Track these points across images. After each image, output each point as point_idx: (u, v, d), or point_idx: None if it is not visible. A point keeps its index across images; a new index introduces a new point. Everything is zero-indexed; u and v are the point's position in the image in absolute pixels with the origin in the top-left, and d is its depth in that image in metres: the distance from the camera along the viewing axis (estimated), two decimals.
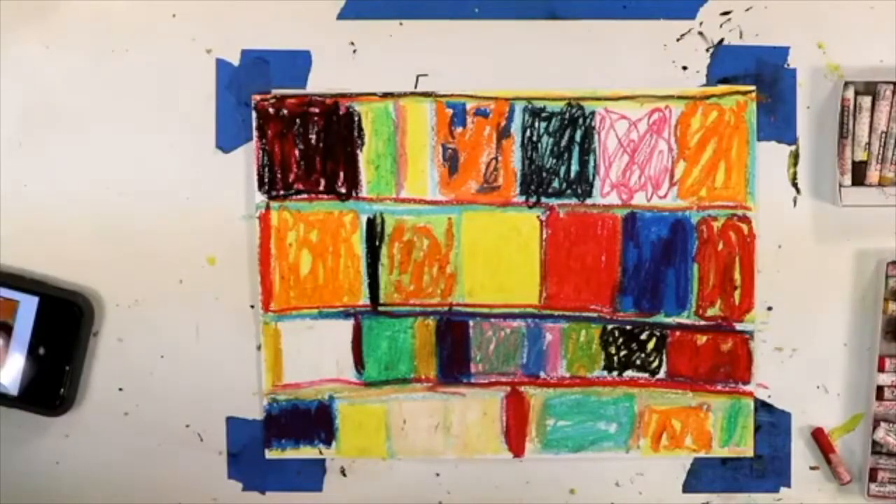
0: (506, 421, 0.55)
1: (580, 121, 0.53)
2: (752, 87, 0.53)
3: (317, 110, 0.53)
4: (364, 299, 0.54)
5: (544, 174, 0.54)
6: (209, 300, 0.55)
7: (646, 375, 0.55)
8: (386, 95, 0.53)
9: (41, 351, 0.53)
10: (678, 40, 0.54)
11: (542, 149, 0.54)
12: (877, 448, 0.54)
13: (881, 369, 0.54)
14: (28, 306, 0.53)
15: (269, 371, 0.55)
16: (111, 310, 0.55)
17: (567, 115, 0.53)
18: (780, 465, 0.56)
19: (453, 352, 0.55)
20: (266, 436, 0.55)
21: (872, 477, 0.54)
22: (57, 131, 0.54)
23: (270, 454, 0.55)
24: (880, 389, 0.54)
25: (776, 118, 0.54)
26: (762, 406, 0.55)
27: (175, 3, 0.54)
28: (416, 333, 0.55)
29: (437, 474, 0.56)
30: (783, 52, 0.53)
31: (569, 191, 0.54)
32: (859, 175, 0.53)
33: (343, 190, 0.54)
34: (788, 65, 0.54)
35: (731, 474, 0.56)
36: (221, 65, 0.54)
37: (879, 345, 0.54)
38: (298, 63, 0.54)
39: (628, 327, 0.55)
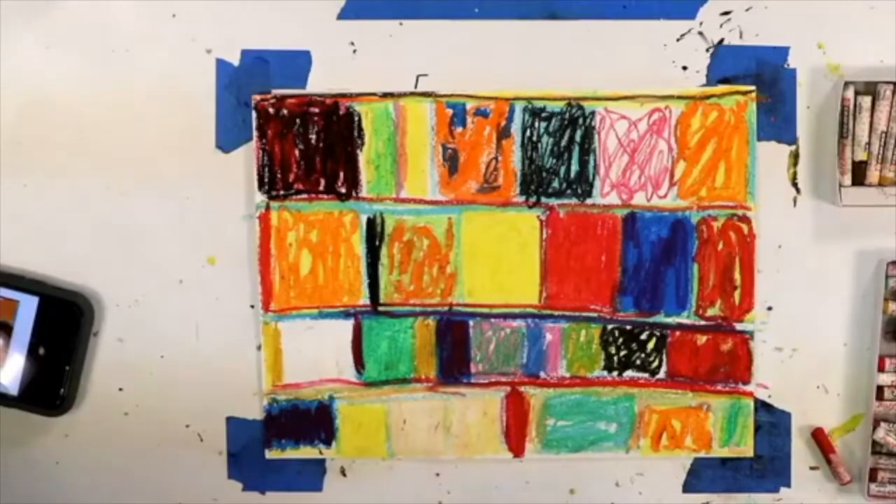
0: (506, 421, 0.55)
1: (580, 121, 0.53)
2: (752, 87, 0.53)
3: (317, 110, 0.53)
4: (364, 299, 0.54)
5: (544, 174, 0.54)
6: (209, 300, 0.55)
7: (646, 375, 0.55)
8: (386, 95, 0.53)
9: (41, 351, 0.53)
10: (678, 40, 0.54)
11: (542, 149, 0.54)
12: (877, 448, 0.54)
13: (881, 369, 0.54)
14: (28, 306, 0.53)
15: (269, 371, 0.55)
16: (111, 310, 0.55)
17: (567, 115, 0.53)
18: (780, 465, 0.56)
19: (453, 352, 0.55)
20: (266, 436, 0.55)
21: (872, 477, 0.54)
22: (57, 131, 0.54)
23: (270, 454, 0.55)
24: (880, 389, 0.54)
25: (776, 118, 0.54)
26: (762, 406, 0.55)
27: (175, 3, 0.54)
28: (416, 333, 0.55)
29: (437, 474, 0.56)
30: (783, 52, 0.53)
31: (569, 191, 0.54)
32: (859, 175, 0.53)
33: (343, 190, 0.54)
34: (788, 65, 0.54)
35: (731, 474, 0.56)
36: (221, 65, 0.54)
37: (879, 345, 0.54)
38: (298, 63, 0.54)
39: (628, 327, 0.55)
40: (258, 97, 0.53)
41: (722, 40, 0.54)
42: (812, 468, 0.56)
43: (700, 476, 0.56)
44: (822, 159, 0.54)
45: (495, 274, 0.54)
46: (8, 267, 0.54)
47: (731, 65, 0.54)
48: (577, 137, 0.54)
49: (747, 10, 0.53)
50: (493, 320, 0.55)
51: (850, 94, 0.52)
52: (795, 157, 0.54)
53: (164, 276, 0.55)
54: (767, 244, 0.54)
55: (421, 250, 0.54)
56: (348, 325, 0.55)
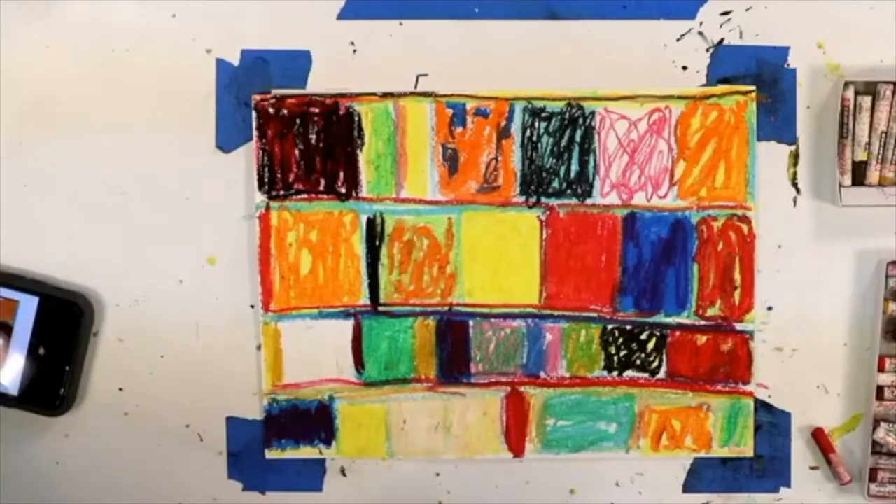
0: (506, 421, 0.55)
1: (580, 121, 0.53)
2: (752, 87, 0.53)
3: (317, 110, 0.53)
4: (364, 299, 0.54)
5: (544, 174, 0.54)
6: (209, 300, 0.55)
7: (646, 375, 0.55)
8: (386, 95, 0.53)
9: (41, 351, 0.53)
10: (678, 40, 0.54)
11: (542, 149, 0.54)
12: (877, 448, 0.54)
13: (881, 369, 0.54)
14: (28, 306, 0.53)
15: (269, 371, 0.55)
16: (111, 310, 0.55)
17: (567, 115, 0.53)
18: (780, 465, 0.56)
19: (453, 352, 0.55)
20: (266, 436, 0.55)
21: (872, 477, 0.54)
22: (57, 131, 0.54)
23: (270, 454, 0.55)
24: (880, 389, 0.54)
25: (776, 118, 0.54)
26: (762, 406, 0.55)
27: (175, 3, 0.54)
28: (416, 333, 0.55)
29: (437, 474, 0.56)
30: (783, 52, 0.53)
31: (569, 191, 0.54)
32: (859, 175, 0.53)
33: (343, 190, 0.54)
34: (788, 65, 0.54)
35: (731, 474, 0.56)
36: (221, 65, 0.54)
37: (879, 345, 0.54)
38: (298, 63, 0.54)
39: (628, 327, 0.55)
40: (258, 97, 0.53)
41: (722, 40, 0.54)
42: (812, 468, 0.56)
43: (700, 476, 0.56)
44: (822, 159, 0.54)
45: (495, 274, 0.54)
46: (8, 267, 0.54)
47: (731, 65, 0.54)
48: (577, 137, 0.54)
49: (747, 10, 0.53)
50: (493, 320, 0.55)
51: (850, 94, 0.52)
52: (795, 157, 0.54)
53: (164, 276, 0.55)
54: (767, 244, 0.54)
55: (421, 250, 0.54)
56: (348, 325, 0.55)
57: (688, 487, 0.56)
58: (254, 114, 0.53)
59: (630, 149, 0.54)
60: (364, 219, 0.54)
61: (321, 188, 0.54)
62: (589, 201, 0.54)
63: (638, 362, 0.55)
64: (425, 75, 0.54)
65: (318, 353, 0.55)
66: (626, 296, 0.54)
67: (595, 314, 0.54)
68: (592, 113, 0.53)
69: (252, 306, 0.55)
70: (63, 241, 0.54)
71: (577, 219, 0.54)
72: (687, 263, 0.54)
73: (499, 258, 0.54)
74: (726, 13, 0.53)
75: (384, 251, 0.54)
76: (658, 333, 0.54)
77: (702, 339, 0.54)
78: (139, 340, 0.55)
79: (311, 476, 0.56)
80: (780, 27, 0.53)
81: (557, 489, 0.56)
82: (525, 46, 0.54)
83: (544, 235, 0.54)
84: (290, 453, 0.55)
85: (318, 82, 0.54)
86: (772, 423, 0.55)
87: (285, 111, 0.53)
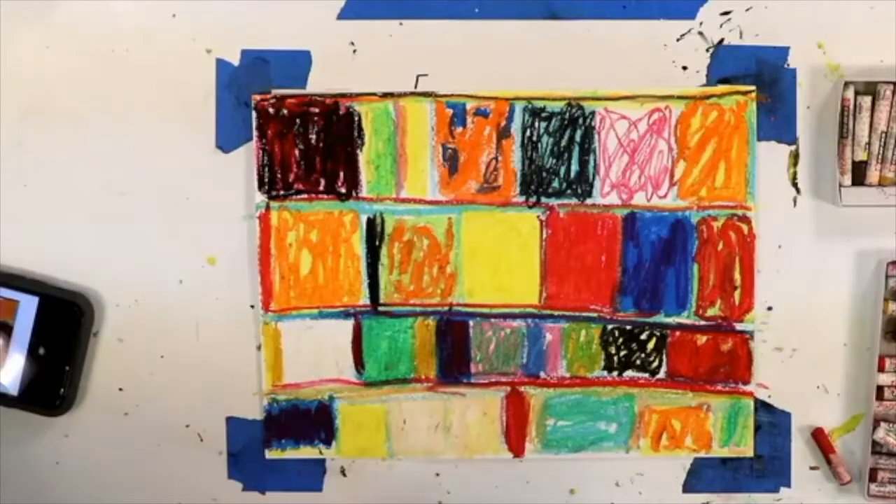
0: (506, 421, 0.55)
1: (580, 121, 0.53)
2: (752, 87, 0.53)
3: (317, 110, 0.53)
4: (364, 299, 0.54)
5: (544, 174, 0.54)
6: (209, 300, 0.55)
7: (646, 375, 0.55)
8: (386, 95, 0.53)
9: (41, 351, 0.53)
10: (678, 40, 0.54)
11: (542, 149, 0.54)
12: (877, 448, 0.54)
13: (881, 369, 0.54)
14: (28, 306, 0.53)
15: (269, 371, 0.55)
16: (111, 310, 0.55)
17: (567, 115, 0.53)
18: (780, 465, 0.56)
19: (453, 352, 0.55)
20: (266, 436, 0.55)
21: (872, 477, 0.54)
22: (57, 131, 0.54)
23: (270, 454, 0.55)
24: (880, 389, 0.54)
25: (776, 118, 0.54)
26: (762, 406, 0.55)
27: (175, 3, 0.54)
28: (416, 333, 0.55)
29: (437, 474, 0.56)
30: (783, 52, 0.53)
31: (569, 191, 0.54)
32: (859, 175, 0.53)
33: (343, 190, 0.54)
34: (788, 65, 0.54)
35: (731, 474, 0.56)
36: (221, 65, 0.54)
37: (879, 345, 0.54)
38: (298, 63, 0.54)
39: (628, 327, 0.55)
40: (258, 97, 0.53)
41: (722, 40, 0.54)
42: (812, 468, 0.56)
43: (700, 476, 0.56)
44: (822, 159, 0.54)
45: (495, 274, 0.54)
46: (8, 267, 0.54)
47: (731, 65, 0.54)
48: (577, 137, 0.54)
49: (747, 10, 0.53)
50: (493, 320, 0.55)
51: (850, 94, 0.52)
52: (795, 157, 0.54)
53: (164, 276, 0.55)
54: (767, 244, 0.54)
55: (421, 250, 0.54)
56: (348, 325, 0.55)
57: (688, 487, 0.56)
58: (254, 114, 0.53)
59: (630, 149, 0.54)
60: (364, 219, 0.54)
61: (321, 188, 0.54)
62: (589, 201, 0.54)
63: (638, 362, 0.55)
64: (425, 75, 0.54)
65: (318, 353, 0.55)
66: (626, 296, 0.54)
67: (595, 314, 0.54)
68: (592, 113, 0.53)
69: (252, 306, 0.55)
70: (63, 241, 0.54)
71: (577, 219, 0.54)
72: (687, 263, 0.54)
73: (499, 258, 0.54)
74: (726, 13, 0.53)
75: (384, 251, 0.54)
76: (658, 333, 0.55)
77: (702, 339, 0.54)
78: (139, 340, 0.55)
79: (311, 476, 0.56)
80: (780, 27, 0.53)
81: (557, 489, 0.56)
82: (525, 46, 0.54)
83: (544, 235, 0.54)
84: (290, 453, 0.55)
85: (318, 82, 0.54)
86: (772, 423, 0.55)
87: (285, 111, 0.53)
